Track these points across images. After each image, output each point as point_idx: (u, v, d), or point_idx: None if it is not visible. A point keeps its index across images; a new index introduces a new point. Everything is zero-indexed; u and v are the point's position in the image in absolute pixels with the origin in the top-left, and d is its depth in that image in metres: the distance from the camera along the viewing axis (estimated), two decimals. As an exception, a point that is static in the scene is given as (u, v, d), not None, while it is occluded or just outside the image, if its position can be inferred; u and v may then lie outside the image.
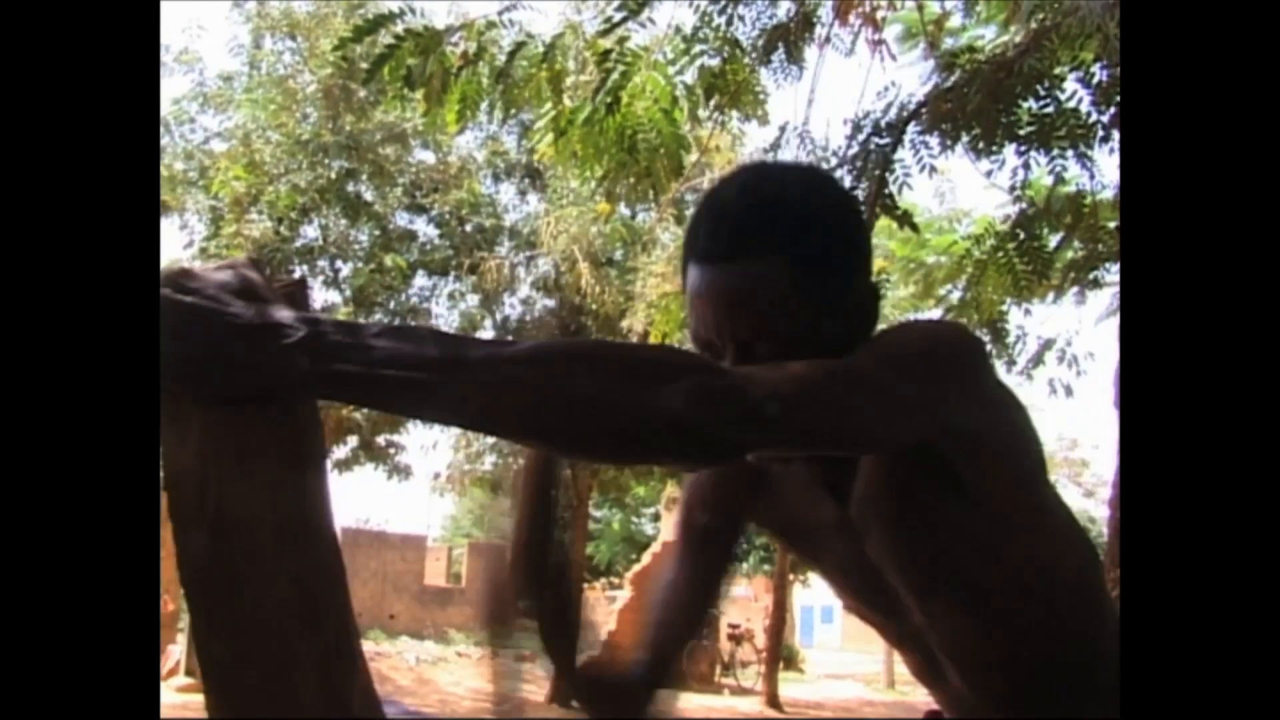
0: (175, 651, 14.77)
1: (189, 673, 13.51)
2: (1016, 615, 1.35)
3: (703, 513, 1.57)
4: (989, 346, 7.64)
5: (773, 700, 17.28)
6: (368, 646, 19.39)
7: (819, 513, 1.42)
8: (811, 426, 1.12)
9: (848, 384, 1.14)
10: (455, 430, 14.53)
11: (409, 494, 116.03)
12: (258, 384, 0.90)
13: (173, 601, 15.39)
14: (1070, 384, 8.58)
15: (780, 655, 18.55)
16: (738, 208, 1.31)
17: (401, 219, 14.45)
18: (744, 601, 25.94)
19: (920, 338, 1.30)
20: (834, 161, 5.56)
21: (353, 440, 14.81)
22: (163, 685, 13.67)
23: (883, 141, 5.19)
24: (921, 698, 1.59)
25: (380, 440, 14.93)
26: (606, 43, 4.66)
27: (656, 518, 28.27)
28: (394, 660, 17.88)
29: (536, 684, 16.69)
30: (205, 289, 0.90)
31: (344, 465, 15.01)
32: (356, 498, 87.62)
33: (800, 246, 1.28)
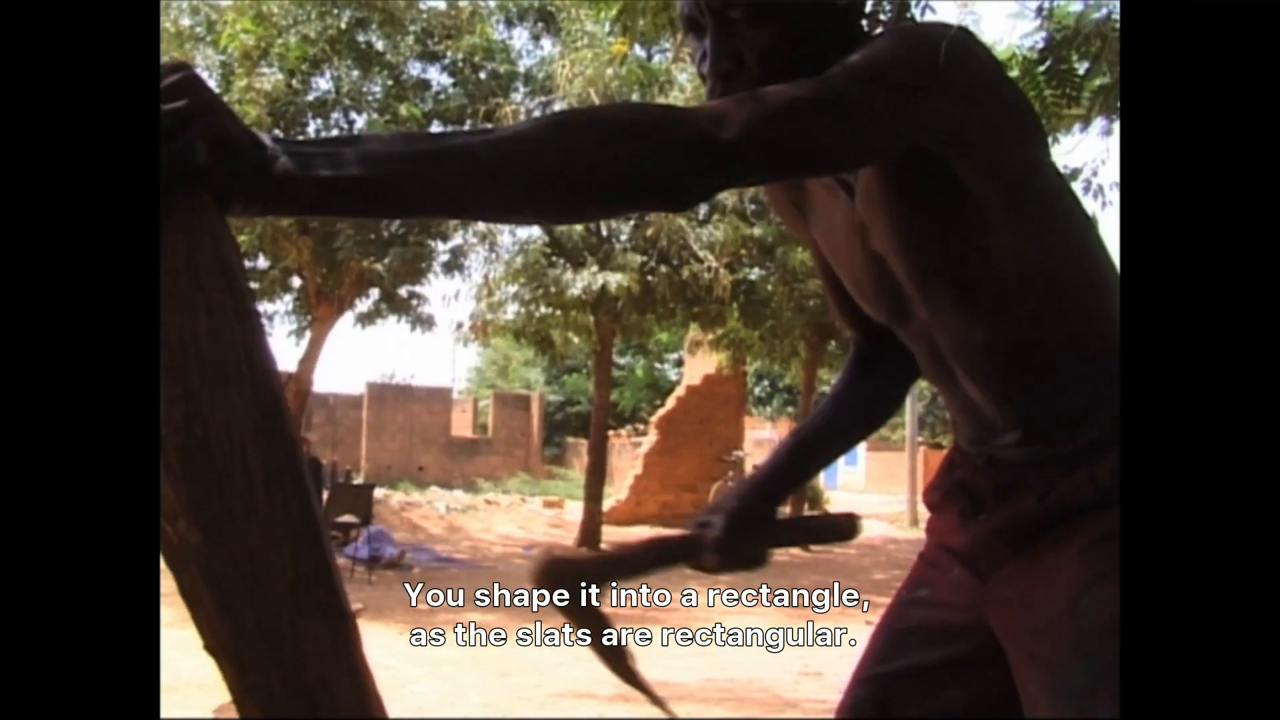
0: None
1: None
2: (1016, 307, 1.35)
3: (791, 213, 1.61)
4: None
5: (798, 540, 17.53)
6: (398, 497, 19.51)
7: (837, 212, 1.46)
8: (784, 158, 1.17)
9: (819, 108, 1.16)
10: (477, 280, 14.50)
11: (433, 346, 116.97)
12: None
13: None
14: (1095, 215, 8.46)
15: (805, 497, 18.78)
16: None
17: (414, 68, 14.21)
18: (768, 444, 26.21)
19: (898, 45, 1.28)
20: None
21: (374, 293, 14.81)
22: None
23: (906, -36, 5.06)
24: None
25: (402, 292, 14.91)
26: None
27: (679, 363, 28.42)
28: (424, 510, 18.18)
29: (566, 529, 17.01)
30: None
31: (367, 318, 15.02)
32: (381, 351, 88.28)
33: None
